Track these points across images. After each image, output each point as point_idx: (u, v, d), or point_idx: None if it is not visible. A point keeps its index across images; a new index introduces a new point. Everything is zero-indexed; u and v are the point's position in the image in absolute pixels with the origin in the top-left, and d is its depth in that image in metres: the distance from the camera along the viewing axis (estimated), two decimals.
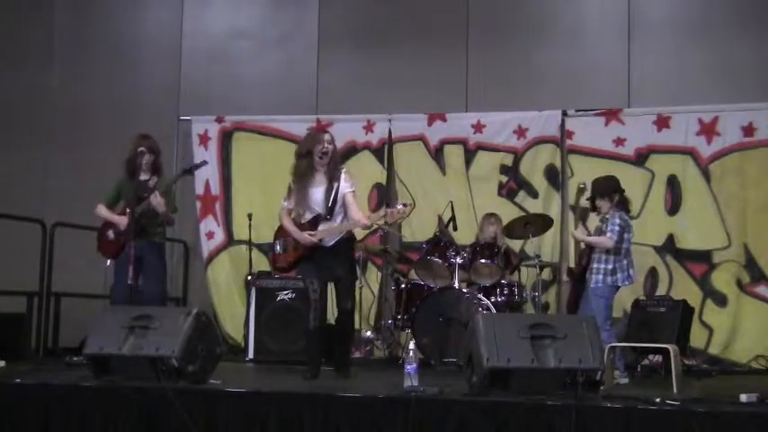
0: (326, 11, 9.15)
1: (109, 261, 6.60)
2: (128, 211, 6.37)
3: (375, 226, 6.05)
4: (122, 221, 6.45)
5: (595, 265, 6.25)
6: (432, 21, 8.86)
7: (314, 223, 5.94)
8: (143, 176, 6.58)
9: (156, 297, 6.43)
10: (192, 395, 4.77)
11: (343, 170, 6.05)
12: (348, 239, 6.04)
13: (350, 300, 6.02)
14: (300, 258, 6.00)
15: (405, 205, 5.71)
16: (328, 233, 5.89)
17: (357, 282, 6.59)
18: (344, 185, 5.93)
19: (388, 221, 5.86)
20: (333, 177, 5.93)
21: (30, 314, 7.32)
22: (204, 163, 7.26)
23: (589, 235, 6.48)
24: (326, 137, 6.00)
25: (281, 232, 6.13)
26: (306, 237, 5.88)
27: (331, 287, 6.08)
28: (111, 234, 6.56)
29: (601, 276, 6.22)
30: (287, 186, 6.09)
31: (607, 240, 6.22)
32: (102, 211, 6.61)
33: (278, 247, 6.13)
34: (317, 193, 5.94)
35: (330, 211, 5.91)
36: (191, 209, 8.84)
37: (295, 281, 7.48)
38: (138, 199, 6.39)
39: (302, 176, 5.95)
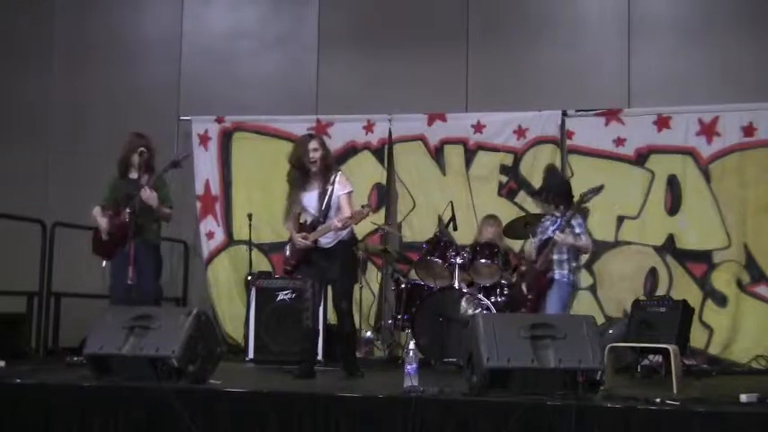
0: (326, 11, 9.14)
1: (105, 262, 6.60)
2: (127, 211, 6.35)
3: (345, 226, 6.06)
4: (103, 223, 6.48)
5: (566, 263, 6.46)
6: (432, 21, 8.85)
7: (312, 227, 6.01)
8: (133, 175, 6.59)
9: (148, 296, 6.41)
10: (192, 395, 4.77)
11: (339, 173, 6.07)
12: (346, 241, 6.08)
13: (344, 301, 6.07)
14: (300, 260, 6.08)
15: (363, 207, 5.85)
16: (320, 234, 5.95)
17: (357, 284, 6.60)
18: (338, 188, 5.98)
19: (351, 224, 5.91)
20: (327, 181, 5.98)
21: (30, 314, 7.32)
22: (187, 155, 7.35)
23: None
24: (312, 144, 5.98)
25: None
26: (299, 239, 5.97)
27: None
28: (102, 236, 6.57)
29: (566, 272, 6.45)
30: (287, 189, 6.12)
31: (590, 243, 6.56)
32: (93, 213, 6.61)
33: (287, 251, 6.24)
34: (312, 198, 6.01)
35: (324, 215, 5.97)
36: (191, 209, 8.84)
37: (295, 281, 7.48)
38: (130, 197, 6.40)
39: (295, 184, 6.04)
